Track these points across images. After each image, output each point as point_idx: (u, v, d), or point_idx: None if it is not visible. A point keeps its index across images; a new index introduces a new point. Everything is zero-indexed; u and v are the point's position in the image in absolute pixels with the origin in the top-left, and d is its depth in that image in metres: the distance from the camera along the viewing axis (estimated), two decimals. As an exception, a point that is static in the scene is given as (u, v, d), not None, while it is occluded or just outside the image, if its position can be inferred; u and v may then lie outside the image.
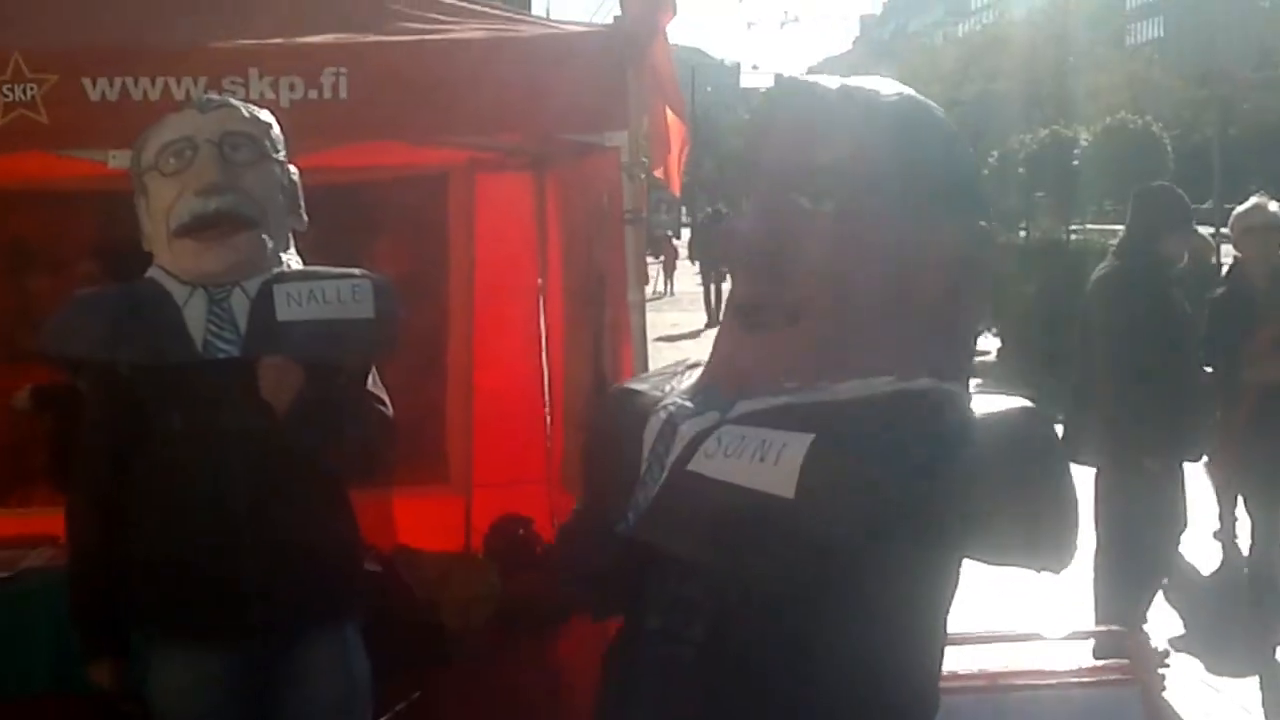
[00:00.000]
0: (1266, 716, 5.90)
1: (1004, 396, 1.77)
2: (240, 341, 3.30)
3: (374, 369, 3.63)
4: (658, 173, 5.25)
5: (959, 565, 1.82)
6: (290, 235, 3.56)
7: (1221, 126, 17.05)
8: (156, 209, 3.41)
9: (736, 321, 1.85)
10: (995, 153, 23.41)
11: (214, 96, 3.61)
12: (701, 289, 27.83)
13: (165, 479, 3.34)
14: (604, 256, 5.19)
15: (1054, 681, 3.58)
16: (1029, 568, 1.77)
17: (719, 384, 1.85)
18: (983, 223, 1.79)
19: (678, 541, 1.82)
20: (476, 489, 6.78)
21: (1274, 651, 6.49)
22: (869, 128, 1.78)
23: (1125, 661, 3.70)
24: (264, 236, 3.40)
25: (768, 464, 1.70)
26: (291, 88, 4.38)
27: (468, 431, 6.76)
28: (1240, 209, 6.18)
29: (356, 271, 3.50)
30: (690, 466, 1.80)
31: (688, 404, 1.87)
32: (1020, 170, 19.27)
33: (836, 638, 1.75)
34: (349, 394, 3.45)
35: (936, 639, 1.86)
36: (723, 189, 55.83)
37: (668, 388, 1.95)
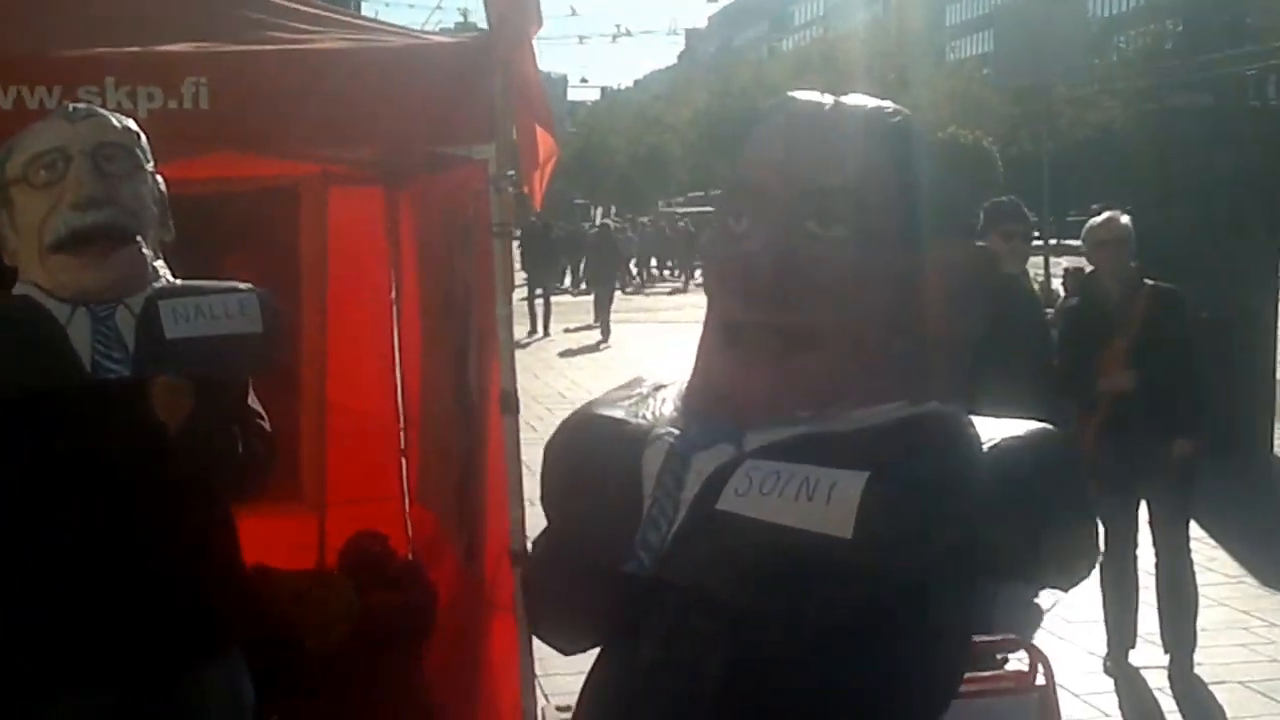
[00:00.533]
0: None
1: (1015, 420, 1.75)
2: (129, 361, 3.19)
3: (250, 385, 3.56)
4: (524, 187, 5.21)
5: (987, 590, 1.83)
6: (158, 251, 3.47)
7: (1043, 141, 17.47)
8: (26, 223, 3.28)
9: (740, 348, 1.80)
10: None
11: (80, 106, 3.50)
12: (527, 300, 27.86)
13: (37, 507, 3.19)
14: (469, 269, 5.14)
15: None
16: (1052, 586, 1.79)
17: (721, 412, 1.81)
18: (970, 243, 1.81)
19: (713, 582, 1.76)
20: (330, 506, 6.68)
21: (1126, 655, 6.65)
22: (877, 150, 1.76)
23: (1023, 670, 3.75)
24: (144, 251, 3.30)
25: (818, 503, 1.66)
26: (150, 97, 4.28)
27: (321, 448, 6.65)
28: (1093, 223, 6.31)
29: (242, 285, 3.41)
30: (720, 505, 1.75)
31: (689, 434, 1.82)
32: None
33: (872, 672, 1.72)
34: (235, 411, 3.37)
35: (962, 667, 1.86)
36: (548, 201, 55.83)
37: (648, 414, 1.89)
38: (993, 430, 1.71)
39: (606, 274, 28.67)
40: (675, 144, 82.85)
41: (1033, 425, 1.74)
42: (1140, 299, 6.38)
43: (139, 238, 3.28)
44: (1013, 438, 1.70)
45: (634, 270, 45.26)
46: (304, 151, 5.58)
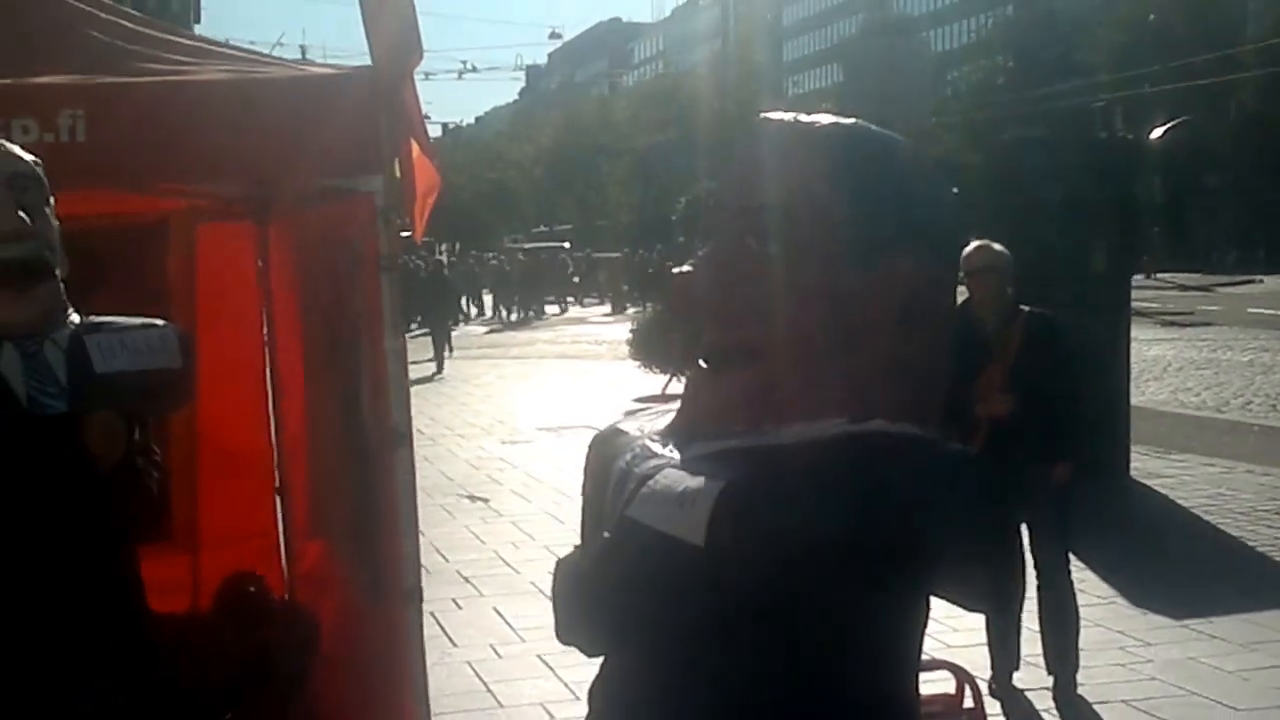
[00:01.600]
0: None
1: (952, 443, 1.74)
2: (64, 395, 3.10)
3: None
4: (406, 218, 5.15)
5: (914, 600, 1.79)
6: None
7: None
8: None
9: (702, 364, 1.83)
10: (682, 200, 24.01)
11: None
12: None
13: None
14: (358, 304, 5.06)
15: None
16: (970, 609, 1.77)
17: (679, 427, 1.84)
18: (937, 262, 1.77)
19: (617, 586, 1.80)
20: (203, 547, 6.53)
21: (1010, 677, 6.71)
22: (813, 164, 1.76)
23: (950, 692, 3.76)
24: (61, 284, 3.21)
25: (684, 509, 1.68)
26: (25, 130, 4.17)
27: (192, 488, 6.50)
28: (967, 251, 6.39)
29: (157, 321, 3.34)
30: (628, 511, 1.78)
31: (653, 445, 1.85)
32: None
33: (760, 680, 1.72)
34: (149, 447, 3.29)
35: (891, 676, 1.81)
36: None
37: (648, 427, 1.92)
38: (929, 449, 1.69)
39: (440, 310, 28.75)
40: (520, 180, 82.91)
41: (955, 448, 1.72)
42: (1017, 325, 6.47)
43: (55, 271, 3.19)
44: (935, 456, 1.68)
45: (464, 306, 45.21)
46: (176, 186, 5.46)
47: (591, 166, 77.42)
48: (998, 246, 6.51)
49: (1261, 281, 47.08)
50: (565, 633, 1.96)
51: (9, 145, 3.31)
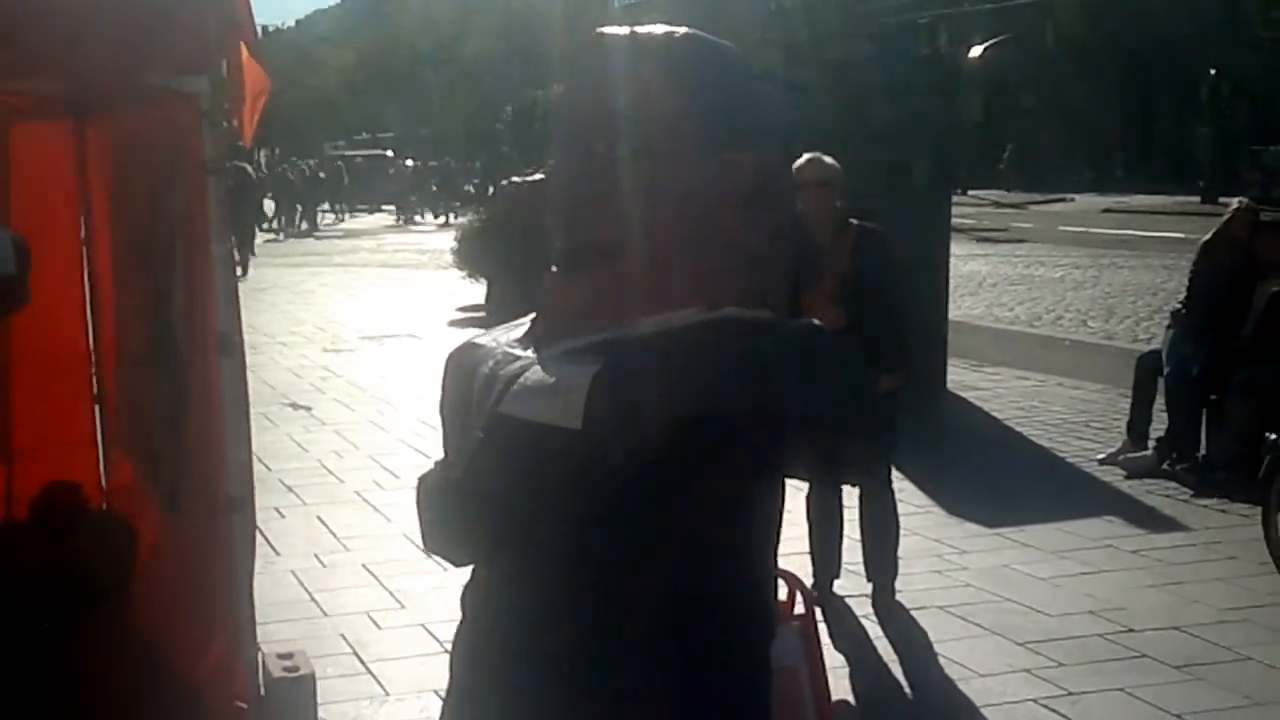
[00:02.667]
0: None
1: (801, 321, 1.86)
2: None
3: None
4: (234, 120, 5.03)
5: (776, 486, 1.87)
6: None
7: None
8: None
9: (557, 267, 1.89)
10: (509, 108, 23.77)
11: None
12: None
13: None
14: (175, 208, 4.94)
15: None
16: (837, 481, 1.88)
17: (542, 328, 1.90)
18: (774, 155, 1.88)
19: (494, 484, 1.86)
20: (17, 454, 6.38)
21: (831, 585, 6.84)
22: (655, 71, 1.84)
23: (783, 601, 3.80)
24: None
25: (559, 397, 1.75)
26: None
27: (5, 395, 6.34)
28: (797, 164, 6.41)
29: None
30: (500, 408, 1.84)
31: (514, 350, 1.91)
32: (535, 125, 19.55)
33: (646, 563, 1.78)
34: None
35: (760, 562, 1.91)
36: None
37: (504, 339, 1.97)
38: (778, 329, 1.81)
39: (243, 215, 28.21)
40: (341, 86, 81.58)
41: (805, 323, 1.86)
42: (847, 238, 6.54)
43: None
44: (784, 332, 1.80)
45: (268, 212, 44.37)
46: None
47: (415, 75, 76.50)
48: (829, 160, 6.55)
49: (1073, 200, 48.17)
50: (433, 544, 2.00)
51: None
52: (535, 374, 1.81)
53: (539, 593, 1.83)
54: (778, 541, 1.95)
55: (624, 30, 1.92)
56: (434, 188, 53.43)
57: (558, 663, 1.81)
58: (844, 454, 1.80)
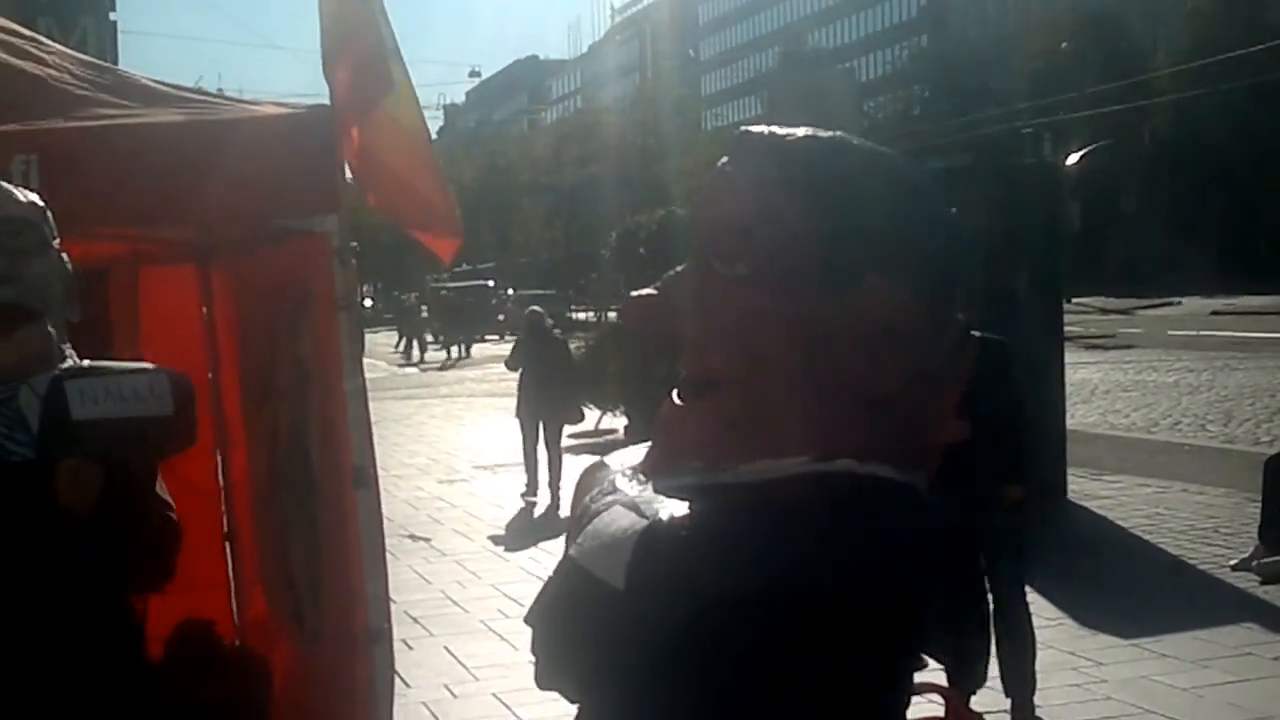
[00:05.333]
0: None
1: (925, 491, 1.62)
2: (34, 443, 3.04)
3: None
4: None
5: (894, 669, 1.64)
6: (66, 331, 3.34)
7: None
8: None
9: (679, 393, 1.70)
10: (614, 233, 23.94)
11: None
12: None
13: None
14: (306, 345, 5.03)
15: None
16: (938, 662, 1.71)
17: (650, 462, 1.72)
18: (919, 286, 1.60)
19: (551, 629, 1.69)
20: (153, 596, 6.43)
21: (969, 701, 6.72)
22: (779, 178, 1.62)
23: (940, 715, 3.74)
24: (50, 329, 3.17)
25: (611, 550, 1.59)
26: (-24, 177, 4.11)
27: (142, 536, 6.42)
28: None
29: (150, 366, 3.29)
30: (570, 550, 1.69)
31: (622, 479, 1.73)
32: (640, 250, 19.73)
33: None
34: (145, 497, 3.23)
35: None
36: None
37: (626, 461, 1.79)
38: (898, 495, 1.58)
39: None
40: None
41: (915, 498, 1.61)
42: (969, 350, 6.51)
43: (43, 316, 3.14)
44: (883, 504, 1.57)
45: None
46: (121, 230, 5.41)
47: (513, 204, 77.54)
48: (946, 273, 6.54)
49: (1180, 303, 47.72)
50: (538, 677, 1.80)
51: (7, 188, 3.27)
52: (607, 517, 1.65)
53: None
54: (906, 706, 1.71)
55: (764, 130, 1.69)
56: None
57: None
58: (939, 640, 1.64)
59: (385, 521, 5.02)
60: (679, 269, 1.76)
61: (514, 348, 16.75)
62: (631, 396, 17.28)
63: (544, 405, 15.27)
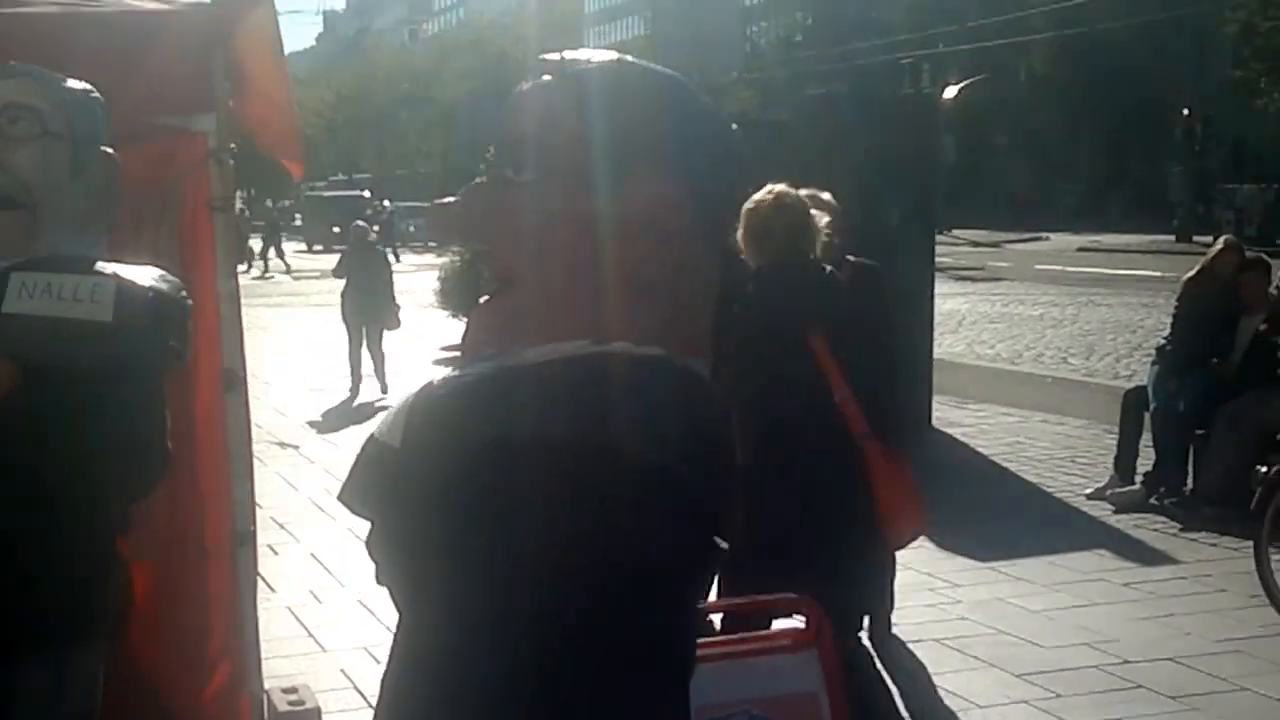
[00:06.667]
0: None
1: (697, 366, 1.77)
2: None
3: (155, 385, 3.25)
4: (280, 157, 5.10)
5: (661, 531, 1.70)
6: (95, 229, 3.25)
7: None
8: None
9: (486, 294, 1.86)
10: (490, 148, 23.86)
11: (19, 65, 3.27)
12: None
13: None
14: (166, 246, 4.94)
15: (737, 650, 3.69)
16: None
17: (462, 355, 1.85)
18: (682, 186, 1.78)
19: (359, 508, 1.81)
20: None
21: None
22: (564, 95, 1.80)
23: (801, 626, 3.83)
24: (28, 219, 3.08)
25: (395, 415, 1.75)
26: None
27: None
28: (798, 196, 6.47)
29: (108, 269, 3.13)
30: (374, 430, 1.81)
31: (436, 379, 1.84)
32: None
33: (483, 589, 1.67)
34: (87, 400, 3.04)
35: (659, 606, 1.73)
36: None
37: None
38: (664, 370, 1.73)
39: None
40: (318, 127, 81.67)
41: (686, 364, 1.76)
42: (843, 274, 6.57)
43: (22, 205, 3.06)
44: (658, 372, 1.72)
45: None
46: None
47: (392, 115, 76.73)
48: (826, 196, 6.59)
49: (1048, 239, 48.46)
50: (376, 572, 1.88)
51: (37, 75, 3.23)
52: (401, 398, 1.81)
53: (401, 616, 1.77)
54: (700, 592, 1.77)
55: (556, 55, 1.87)
56: (411, 229, 53.48)
57: (416, 690, 1.71)
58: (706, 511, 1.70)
59: (255, 428, 5.05)
60: (477, 180, 1.91)
61: (340, 259, 18.66)
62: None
63: (366, 312, 16.96)
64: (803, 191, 6.55)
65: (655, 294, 1.76)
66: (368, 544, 1.79)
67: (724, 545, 1.73)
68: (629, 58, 1.87)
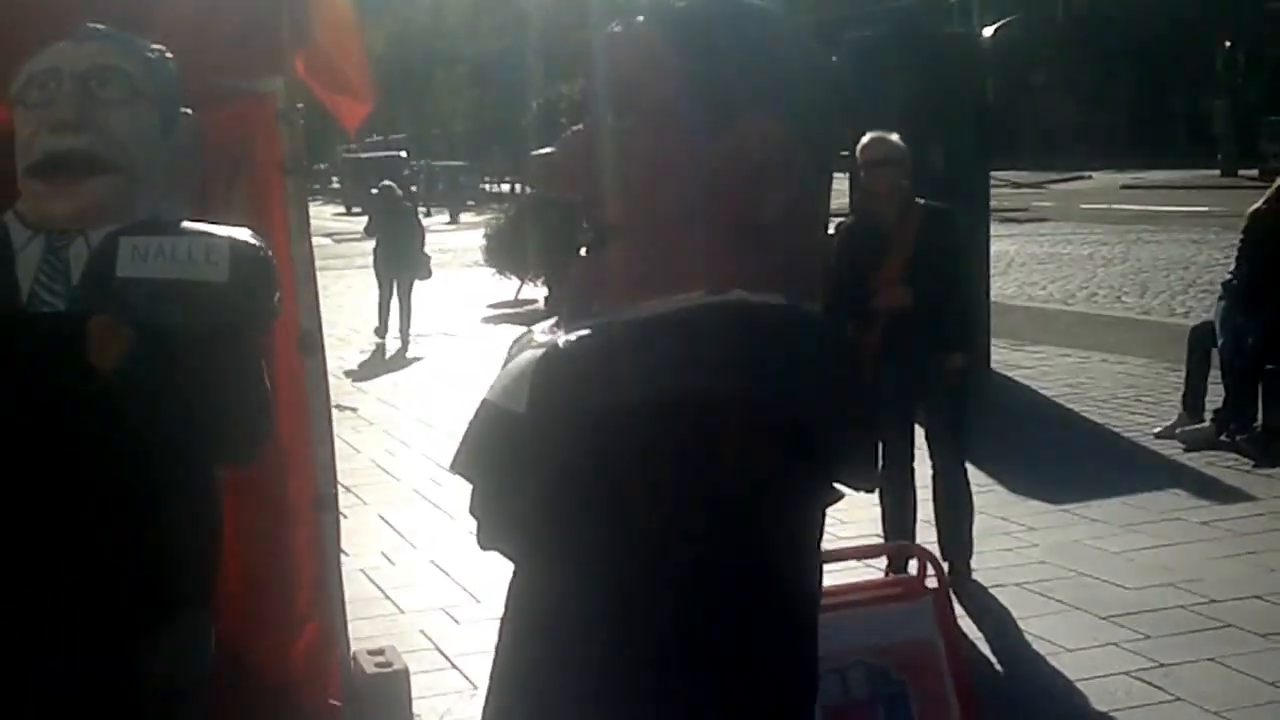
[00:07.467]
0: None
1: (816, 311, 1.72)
2: (67, 296, 2.93)
3: (259, 345, 3.24)
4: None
5: (794, 485, 1.67)
6: (183, 191, 3.22)
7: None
8: (18, 144, 3.03)
9: (585, 248, 1.81)
10: (535, 103, 23.76)
11: (99, 27, 3.23)
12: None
13: None
14: (238, 210, 4.91)
15: (852, 599, 3.64)
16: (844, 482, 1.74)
17: (566, 311, 1.80)
18: (792, 124, 1.71)
19: (473, 472, 1.75)
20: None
21: (906, 566, 6.80)
22: (661, 35, 1.73)
23: (913, 575, 3.78)
24: (126, 183, 3.03)
25: (517, 380, 1.68)
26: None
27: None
28: (864, 142, 6.40)
29: (220, 231, 3.12)
30: (487, 393, 1.76)
31: (536, 334, 1.81)
32: (563, 120, 19.49)
33: (631, 555, 1.61)
34: (203, 364, 3.00)
35: (786, 561, 1.70)
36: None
37: (545, 324, 1.86)
38: (789, 317, 1.68)
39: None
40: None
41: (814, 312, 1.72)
42: (913, 218, 6.51)
43: (120, 168, 3.00)
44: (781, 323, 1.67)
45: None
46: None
47: (427, 74, 76.53)
48: (894, 137, 6.52)
49: (1091, 178, 48.08)
50: (480, 536, 1.80)
51: (117, 37, 3.18)
52: (517, 359, 1.74)
53: (520, 584, 1.72)
54: (819, 538, 1.73)
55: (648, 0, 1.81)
56: (440, 188, 53.40)
57: (553, 655, 1.66)
58: (838, 455, 1.65)
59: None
60: (575, 128, 1.81)
61: (370, 217, 19.85)
62: (552, 265, 17.29)
63: (396, 265, 17.83)
64: (868, 135, 6.50)
65: (769, 238, 1.70)
66: (472, 509, 1.73)
67: (845, 490, 1.70)
68: None
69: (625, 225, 1.72)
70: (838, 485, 1.67)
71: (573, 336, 1.67)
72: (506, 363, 1.79)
